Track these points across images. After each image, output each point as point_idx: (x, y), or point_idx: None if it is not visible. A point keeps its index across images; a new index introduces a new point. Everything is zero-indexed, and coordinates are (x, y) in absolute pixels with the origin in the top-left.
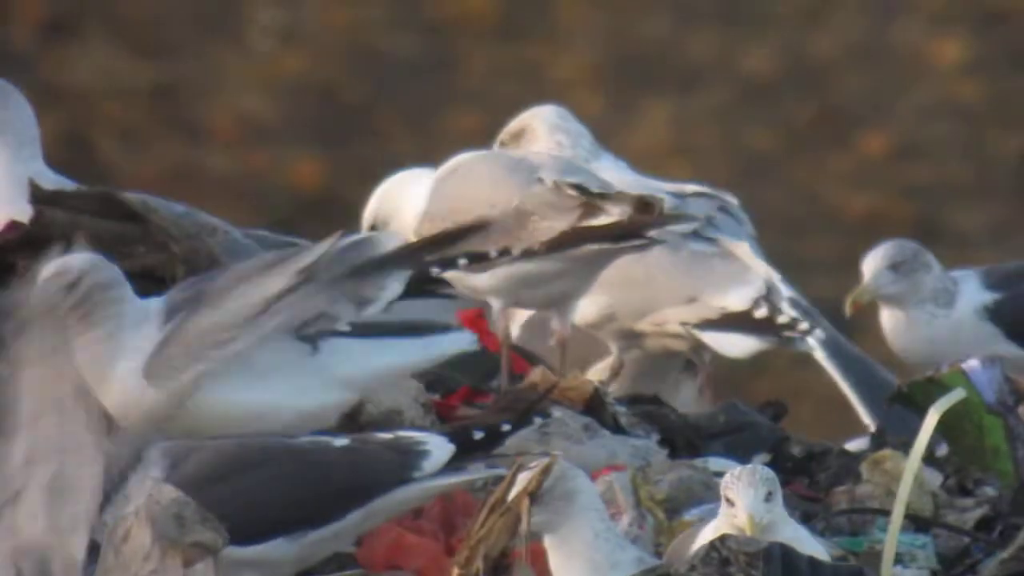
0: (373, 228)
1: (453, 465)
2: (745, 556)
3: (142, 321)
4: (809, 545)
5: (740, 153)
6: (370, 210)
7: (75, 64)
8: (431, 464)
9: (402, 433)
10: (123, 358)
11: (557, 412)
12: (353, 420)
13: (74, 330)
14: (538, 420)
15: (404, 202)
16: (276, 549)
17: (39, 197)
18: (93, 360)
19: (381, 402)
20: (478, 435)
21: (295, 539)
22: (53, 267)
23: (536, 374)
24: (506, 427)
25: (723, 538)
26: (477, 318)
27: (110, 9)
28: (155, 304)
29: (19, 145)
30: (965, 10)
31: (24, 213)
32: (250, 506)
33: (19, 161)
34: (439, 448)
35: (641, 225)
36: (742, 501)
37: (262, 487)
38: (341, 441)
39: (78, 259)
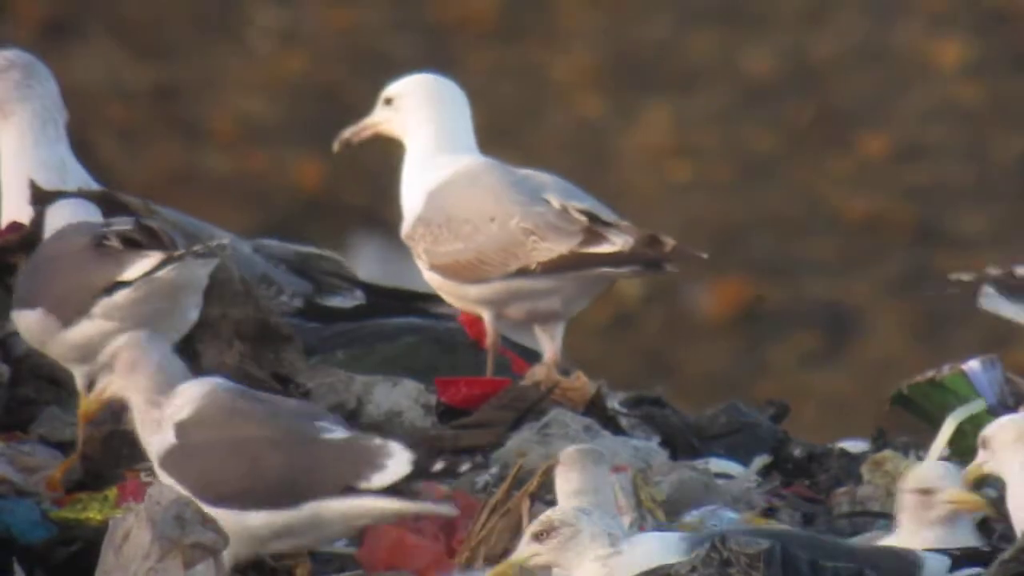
0: None
1: (407, 485)
2: (746, 557)
3: None
4: None
5: (740, 154)
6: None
7: (75, 64)
8: (379, 479)
9: (386, 443)
10: None
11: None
12: (354, 419)
13: None
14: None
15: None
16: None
17: (39, 198)
18: None
19: (380, 403)
20: (438, 467)
21: (243, 516)
22: None
23: (539, 372)
24: (465, 467)
25: (724, 539)
26: (478, 320)
27: (110, 10)
28: None
29: (42, 125)
30: (966, 12)
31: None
32: (225, 466)
33: (43, 143)
34: (397, 465)
35: (645, 258)
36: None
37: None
38: (334, 435)
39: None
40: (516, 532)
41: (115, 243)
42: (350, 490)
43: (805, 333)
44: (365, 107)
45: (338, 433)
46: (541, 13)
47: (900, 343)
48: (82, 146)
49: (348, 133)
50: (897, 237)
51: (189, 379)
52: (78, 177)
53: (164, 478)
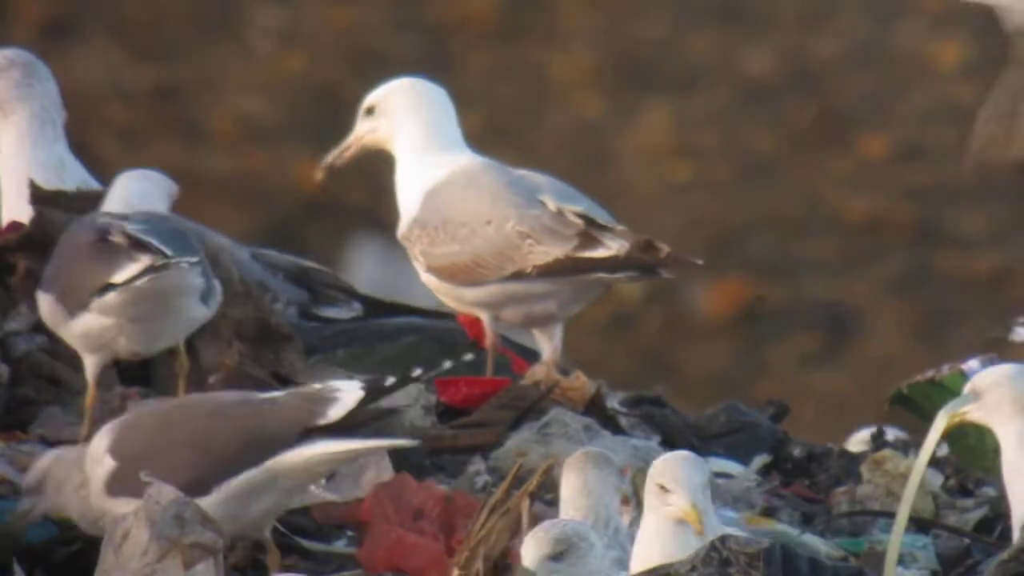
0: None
1: (361, 416)
2: (745, 557)
3: None
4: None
5: (740, 154)
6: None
7: (75, 64)
8: (336, 411)
9: (328, 384)
10: None
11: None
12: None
13: None
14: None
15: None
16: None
17: (39, 198)
18: None
19: (381, 403)
20: (389, 381)
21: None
22: None
23: (538, 372)
24: (417, 372)
25: (724, 538)
26: (477, 320)
27: (110, 10)
28: None
29: (41, 124)
30: (965, 12)
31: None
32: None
33: (41, 143)
34: (349, 394)
35: (640, 263)
36: (685, 487)
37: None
38: (268, 394)
39: None
40: (516, 532)
41: (119, 239)
42: (309, 431)
43: (805, 333)
44: None
45: (276, 392)
46: (541, 13)
47: (900, 343)
48: (82, 146)
49: (331, 157)
50: (897, 237)
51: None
52: (77, 176)
53: (121, 506)
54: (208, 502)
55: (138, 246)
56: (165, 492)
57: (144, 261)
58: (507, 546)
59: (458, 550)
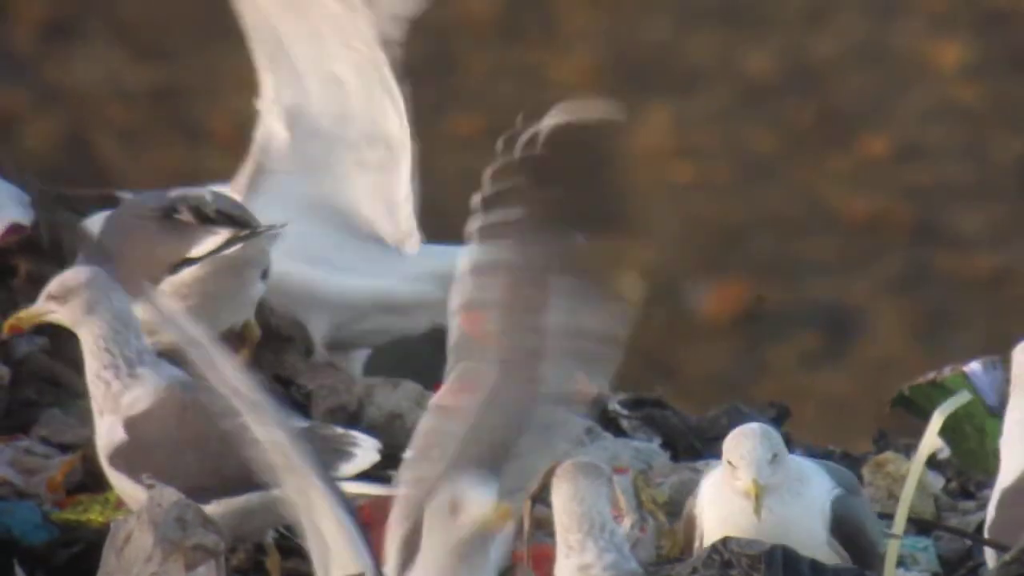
0: None
1: (376, 472)
2: (747, 559)
3: None
4: (818, 496)
5: (740, 154)
6: None
7: (75, 65)
8: (349, 468)
9: (347, 433)
10: None
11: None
12: (355, 421)
13: None
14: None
15: None
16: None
17: (40, 199)
18: None
19: (382, 405)
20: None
21: (210, 501)
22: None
23: None
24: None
25: (725, 540)
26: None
27: (110, 11)
28: None
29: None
30: (966, 12)
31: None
32: (179, 459)
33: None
34: (366, 453)
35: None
36: (746, 465)
37: (194, 443)
38: (293, 425)
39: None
40: (517, 534)
41: (186, 216)
42: None
43: (805, 333)
44: None
45: (297, 423)
46: (541, 14)
47: (900, 343)
48: (82, 146)
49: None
50: (897, 237)
51: (142, 341)
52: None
53: (111, 473)
54: (210, 509)
55: (207, 220)
56: (167, 494)
57: (224, 233)
58: (510, 547)
59: None
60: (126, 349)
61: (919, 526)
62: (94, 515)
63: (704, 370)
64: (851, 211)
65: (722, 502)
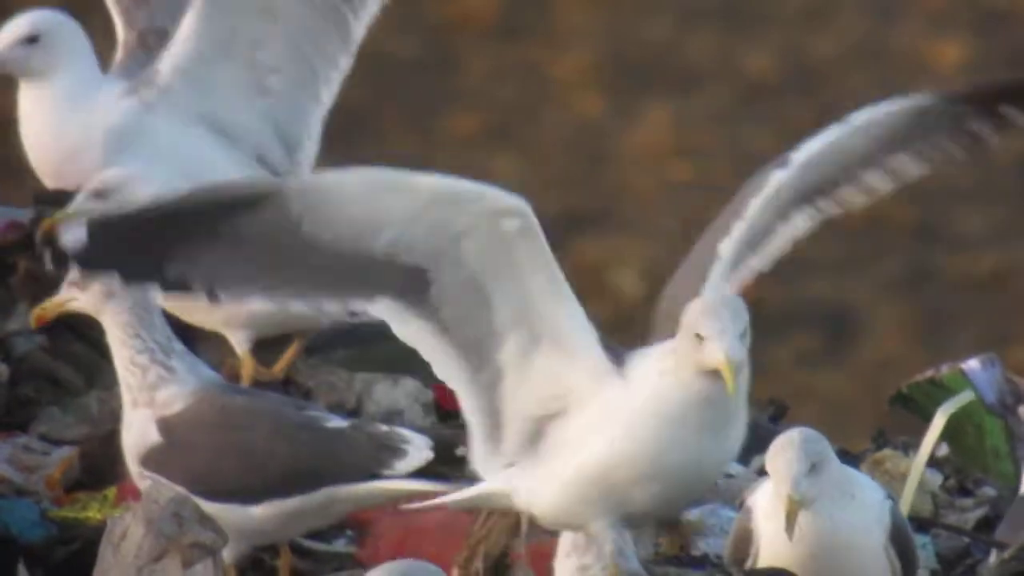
0: None
1: (426, 471)
2: None
3: None
4: (874, 503)
5: (741, 154)
6: None
7: None
8: (404, 465)
9: (394, 430)
10: None
11: None
12: (353, 418)
13: None
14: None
15: None
16: (234, 511)
17: (40, 198)
18: None
19: (380, 401)
20: (460, 451)
21: (255, 504)
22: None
23: None
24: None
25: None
26: None
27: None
28: None
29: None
30: (965, 11)
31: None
32: (220, 463)
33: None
34: (418, 451)
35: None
36: (780, 480)
37: (237, 447)
38: (336, 423)
39: None
40: (516, 531)
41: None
42: (372, 476)
43: (805, 333)
44: (365, 108)
45: (340, 421)
46: (541, 13)
47: (900, 343)
48: None
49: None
50: (897, 237)
51: (168, 330)
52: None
53: (140, 473)
54: (255, 511)
55: None
56: (164, 491)
57: None
58: (507, 545)
59: (459, 549)
60: (155, 334)
61: (917, 523)
62: (92, 512)
63: None
64: (852, 212)
65: (778, 515)
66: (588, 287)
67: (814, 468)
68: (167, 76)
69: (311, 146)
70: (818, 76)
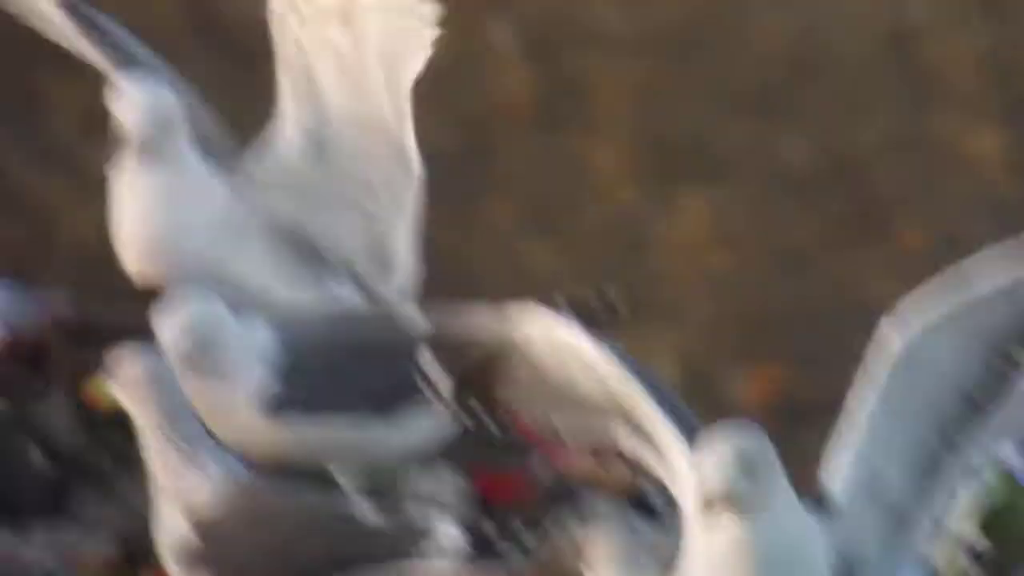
0: None
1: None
2: None
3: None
4: (797, 537)
5: (777, 245)
6: None
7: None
8: (437, 551)
9: (421, 517)
10: None
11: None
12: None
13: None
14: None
15: None
16: None
17: (79, 287)
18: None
19: (420, 488)
20: (500, 547)
21: None
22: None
23: (578, 462)
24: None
25: None
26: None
27: None
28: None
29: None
30: (1002, 101)
31: None
32: (253, 559)
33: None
34: (451, 539)
35: None
36: (707, 475)
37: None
38: (369, 514)
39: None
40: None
41: None
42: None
43: (839, 423)
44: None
45: (376, 516)
46: (579, 102)
47: None
48: None
49: None
50: None
51: (198, 426)
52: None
53: (175, 569)
54: None
55: None
56: None
57: None
58: None
59: None
60: (185, 425)
61: None
62: None
63: None
64: (887, 302)
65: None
66: None
67: (751, 471)
68: (266, 175)
69: (407, 261)
70: (855, 166)
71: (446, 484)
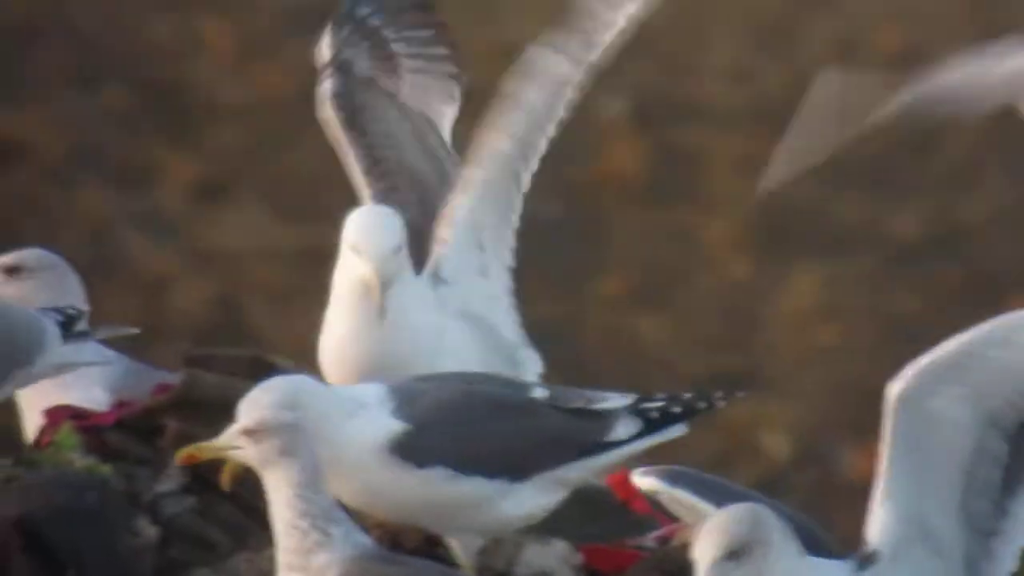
0: None
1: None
2: None
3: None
4: None
5: (889, 318)
6: None
7: (226, 227)
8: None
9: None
10: None
11: None
12: None
13: None
14: None
15: None
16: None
17: (190, 359)
18: None
19: (531, 563)
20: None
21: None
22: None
23: (686, 533)
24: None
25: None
26: (626, 480)
27: (263, 171)
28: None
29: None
30: None
31: None
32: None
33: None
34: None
35: None
36: (700, 560)
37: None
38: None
39: None
40: None
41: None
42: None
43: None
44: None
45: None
46: (688, 175)
47: None
48: (233, 308)
49: None
50: None
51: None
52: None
53: None
54: None
55: None
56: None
57: None
58: None
59: None
60: (321, 498)
61: None
62: None
63: (856, 532)
64: None
65: None
66: (737, 448)
67: (736, 554)
68: (448, 271)
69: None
70: (965, 238)
71: (559, 556)
